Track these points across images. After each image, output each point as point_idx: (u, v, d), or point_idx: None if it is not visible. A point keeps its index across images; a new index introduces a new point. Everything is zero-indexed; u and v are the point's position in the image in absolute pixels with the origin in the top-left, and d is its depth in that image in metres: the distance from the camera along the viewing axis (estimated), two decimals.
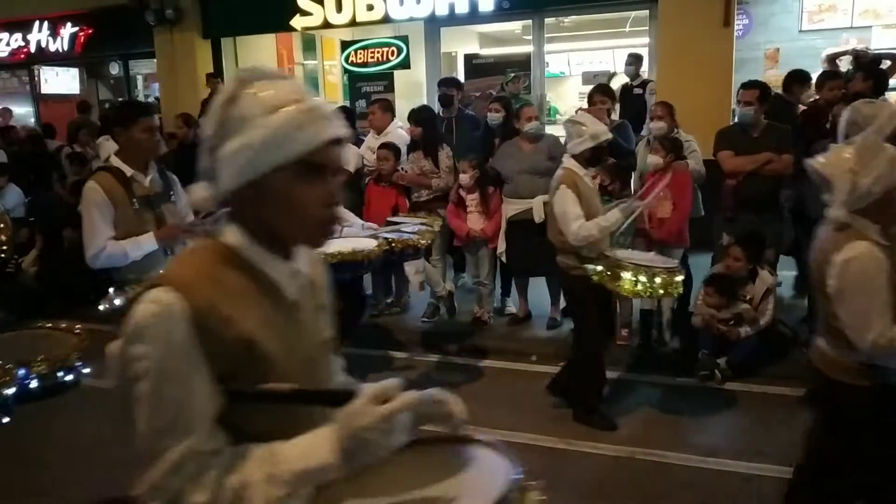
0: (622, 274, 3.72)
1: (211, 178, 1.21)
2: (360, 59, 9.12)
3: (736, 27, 7.53)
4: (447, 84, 6.53)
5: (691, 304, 5.13)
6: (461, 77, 9.62)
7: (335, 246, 3.86)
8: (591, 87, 6.22)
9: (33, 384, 2.33)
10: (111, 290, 3.13)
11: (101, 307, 3.03)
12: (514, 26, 10.08)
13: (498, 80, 8.45)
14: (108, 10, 10.08)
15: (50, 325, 2.89)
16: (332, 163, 1.21)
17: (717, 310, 4.73)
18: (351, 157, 5.97)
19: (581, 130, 3.91)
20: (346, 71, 9.48)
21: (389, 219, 4.95)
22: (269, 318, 1.19)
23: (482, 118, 6.19)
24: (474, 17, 8.36)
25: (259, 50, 10.43)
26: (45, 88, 12.10)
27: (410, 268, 5.37)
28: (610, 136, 4.07)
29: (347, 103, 9.05)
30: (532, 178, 5.21)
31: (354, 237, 4.16)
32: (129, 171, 3.31)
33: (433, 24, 8.84)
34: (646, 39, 8.29)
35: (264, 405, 1.16)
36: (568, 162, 4.00)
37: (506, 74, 8.33)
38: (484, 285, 5.68)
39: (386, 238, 4.10)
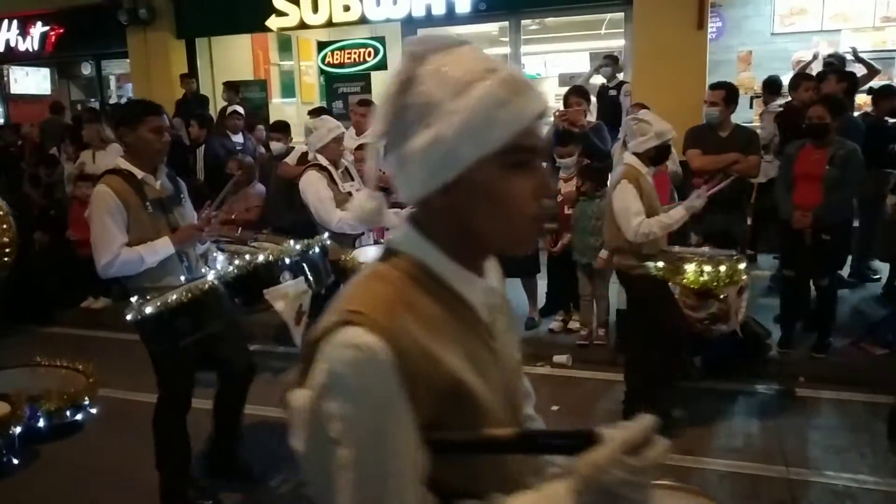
0: (685, 266, 3.72)
1: (395, 182, 0.99)
2: (337, 59, 9.09)
3: (709, 30, 7.63)
4: None
5: None
6: None
7: (369, 256, 3.72)
8: (567, 88, 6.26)
9: (41, 423, 2.23)
10: (134, 298, 2.96)
11: (128, 317, 2.85)
12: (491, 28, 10.11)
13: None
14: (80, 10, 9.93)
15: (47, 362, 2.81)
16: (540, 144, 0.99)
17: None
18: None
19: (645, 128, 3.83)
20: (322, 72, 9.44)
21: None
22: (469, 348, 0.98)
23: None
24: (451, 18, 8.36)
25: (234, 50, 10.35)
26: (15, 88, 11.89)
27: None
28: (674, 133, 3.99)
29: (324, 104, 9.01)
30: None
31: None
32: (139, 173, 3.12)
33: (410, 26, 8.82)
34: (621, 42, 8.36)
35: (470, 456, 0.95)
36: (630, 159, 3.88)
37: None
38: None
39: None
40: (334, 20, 8.74)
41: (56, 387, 2.41)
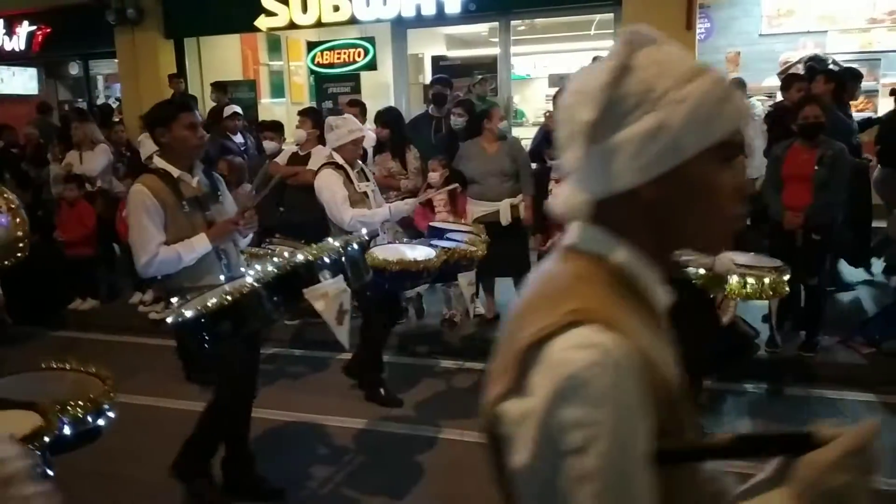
0: (729, 277, 3.61)
1: (581, 178, 0.93)
2: (327, 60, 9.06)
3: (698, 31, 7.67)
4: (442, 82, 6.53)
5: None
6: (428, 79, 9.65)
7: (393, 253, 3.72)
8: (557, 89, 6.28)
9: (67, 431, 2.17)
10: (174, 299, 2.92)
11: (168, 320, 2.78)
12: (481, 28, 10.12)
13: (465, 82, 8.47)
14: (67, 9, 9.87)
15: (68, 366, 2.73)
16: (746, 142, 0.97)
17: None
18: (315, 158, 5.94)
19: None
20: (312, 72, 9.42)
21: (432, 223, 4.86)
22: (663, 354, 0.92)
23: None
24: (441, 18, 8.36)
25: (223, 50, 10.31)
26: (1, 88, 11.79)
27: (463, 279, 5.16)
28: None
29: (314, 104, 8.99)
30: (500, 181, 5.24)
31: (407, 244, 4.04)
32: (175, 171, 3.12)
33: (400, 26, 8.82)
34: (610, 42, 8.37)
35: (679, 466, 0.89)
36: None
37: (473, 76, 8.37)
38: (454, 286, 5.68)
39: (444, 248, 3.93)
40: (324, 20, 8.72)
41: (74, 391, 2.37)
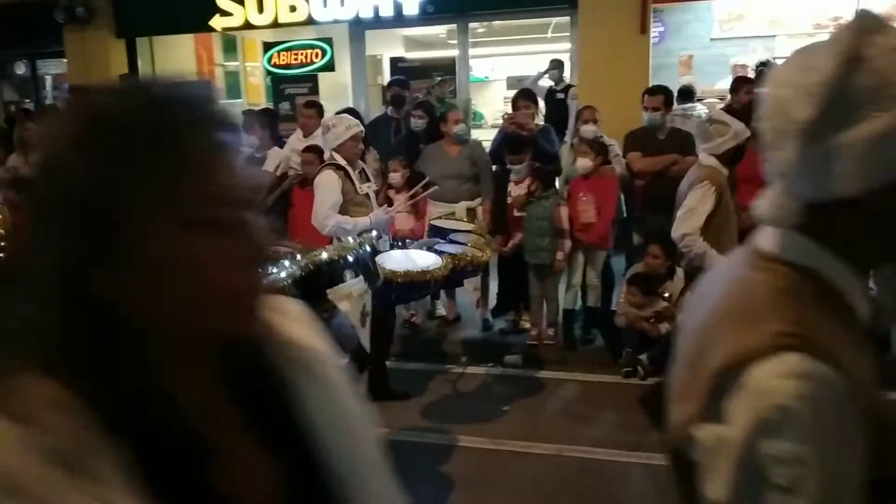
0: None
1: (791, 181, 0.84)
2: (284, 60, 8.96)
3: (652, 34, 7.80)
4: (399, 84, 6.51)
5: (614, 303, 5.28)
6: (387, 80, 9.62)
7: (400, 263, 3.48)
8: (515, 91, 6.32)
9: None
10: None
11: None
12: (440, 30, 10.14)
13: (424, 84, 8.47)
14: (13, 7, 9.54)
15: None
16: None
17: (638, 308, 4.88)
18: (272, 160, 5.88)
19: (723, 130, 3.75)
20: (268, 73, 9.31)
21: (433, 222, 4.69)
22: (872, 373, 0.85)
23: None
24: (399, 20, 8.34)
25: (177, 50, 10.11)
26: None
27: (470, 285, 4.92)
28: (749, 132, 3.89)
29: (271, 106, 8.88)
30: (458, 184, 5.25)
31: (411, 249, 3.86)
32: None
33: (358, 27, 8.78)
34: (567, 45, 8.48)
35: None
36: (709, 160, 3.77)
37: (431, 78, 8.37)
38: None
39: (450, 254, 3.71)
40: (280, 21, 8.62)
41: None
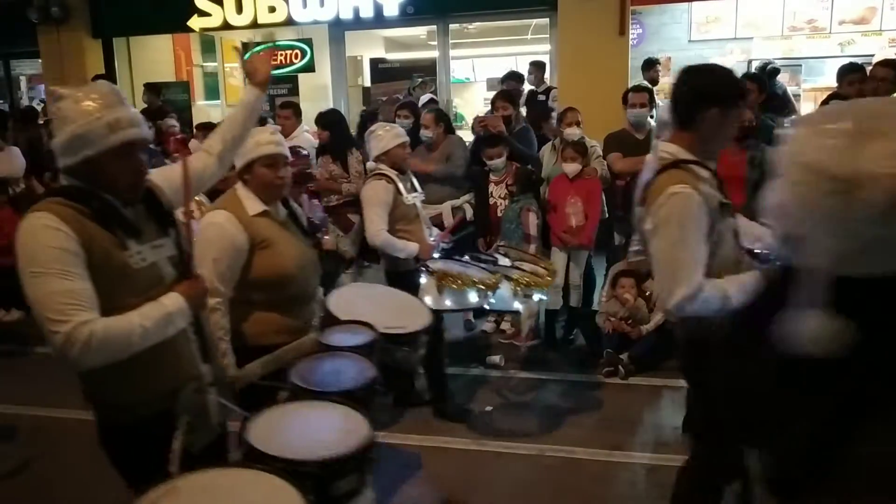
0: None
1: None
2: None
3: (630, 36, 7.87)
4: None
5: (595, 303, 5.31)
6: (367, 81, 9.61)
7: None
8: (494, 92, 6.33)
9: None
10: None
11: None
12: (420, 31, 10.15)
13: (404, 85, 8.47)
14: None
15: None
16: None
17: (633, 300, 4.92)
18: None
19: None
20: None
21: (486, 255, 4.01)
22: None
23: None
24: (379, 21, 8.34)
25: (154, 51, 10.02)
26: None
27: (525, 311, 4.57)
28: None
29: None
30: (439, 185, 5.23)
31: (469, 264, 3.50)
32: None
33: (338, 28, 8.76)
34: (547, 47, 8.52)
35: None
36: None
37: (412, 79, 8.37)
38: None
39: (507, 275, 3.39)
40: (259, 21, 8.57)
41: None
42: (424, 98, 7.43)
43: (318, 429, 1.85)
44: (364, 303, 2.75)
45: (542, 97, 7.54)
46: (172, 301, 1.88)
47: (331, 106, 8.08)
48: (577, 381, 4.85)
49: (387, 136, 3.99)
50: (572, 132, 5.21)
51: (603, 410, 4.43)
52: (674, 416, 4.28)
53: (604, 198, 5.30)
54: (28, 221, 1.76)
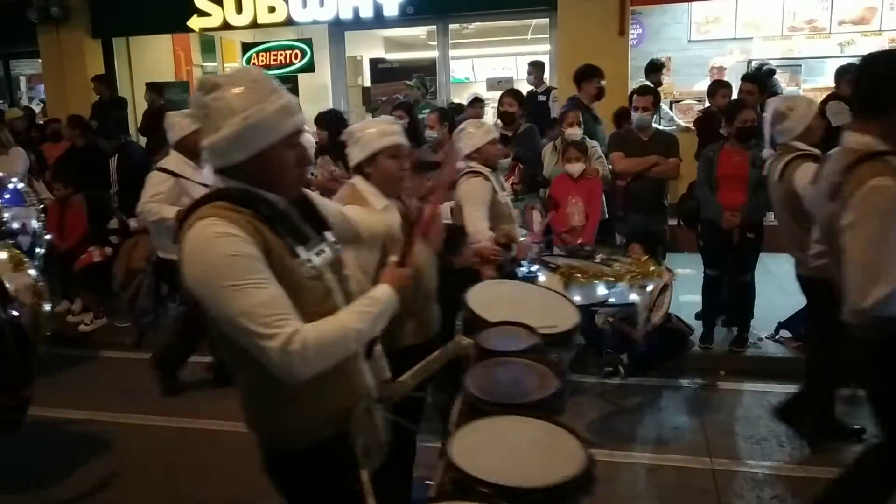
0: None
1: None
2: (263, 61, 8.93)
3: (630, 37, 7.87)
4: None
5: None
6: (367, 81, 9.61)
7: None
8: (495, 92, 6.34)
9: None
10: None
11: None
12: (420, 31, 10.14)
13: (404, 86, 8.48)
14: None
15: None
16: None
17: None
18: None
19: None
20: None
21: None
22: None
23: None
24: (379, 21, 8.34)
25: (154, 51, 10.02)
26: None
27: (641, 303, 4.10)
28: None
29: None
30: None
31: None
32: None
33: (337, 28, 8.76)
34: (547, 47, 8.52)
35: None
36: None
37: (412, 79, 8.37)
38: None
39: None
40: (259, 21, 8.58)
41: None
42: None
43: (526, 449, 1.69)
44: (503, 302, 2.41)
45: (541, 97, 7.54)
46: (384, 293, 1.69)
47: (330, 106, 8.07)
48: (577, 381, 4.85)
49: (478, 132, 3.76)
50: (573, 132, 5.21)
51: (603, 410, 4.42)
52: (674, 416, 4.28)
53: (604, 198, 5.30)
54: (198, 231, 1.53)
